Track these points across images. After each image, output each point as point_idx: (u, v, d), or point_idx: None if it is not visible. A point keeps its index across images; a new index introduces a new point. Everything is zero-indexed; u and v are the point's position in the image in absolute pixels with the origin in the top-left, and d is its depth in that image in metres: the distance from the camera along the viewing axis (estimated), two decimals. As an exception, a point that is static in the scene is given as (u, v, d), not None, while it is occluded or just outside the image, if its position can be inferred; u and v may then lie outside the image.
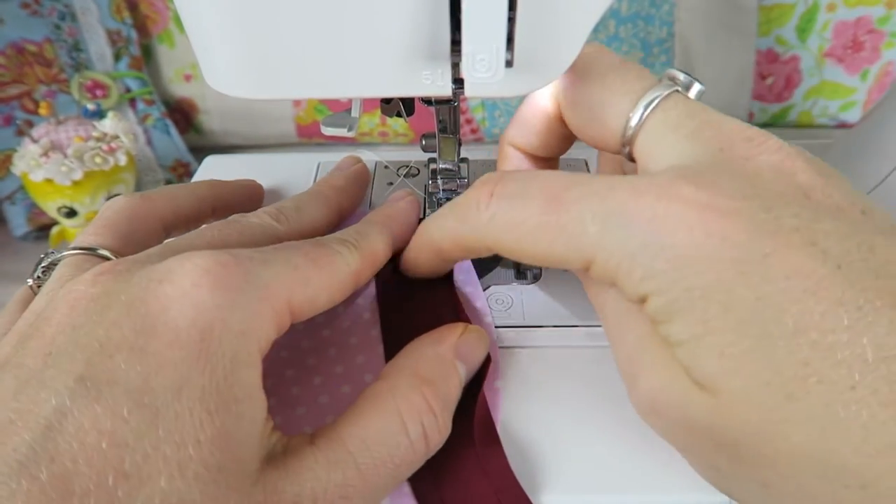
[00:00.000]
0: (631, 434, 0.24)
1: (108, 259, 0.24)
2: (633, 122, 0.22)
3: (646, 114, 0.21)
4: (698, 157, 0.20)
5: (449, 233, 0.24)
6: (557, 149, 0.28)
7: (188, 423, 0.17)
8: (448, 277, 0.29)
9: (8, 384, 0.18)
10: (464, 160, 0.34)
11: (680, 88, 0.22)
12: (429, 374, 0.23)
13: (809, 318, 0.16)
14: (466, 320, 0.27)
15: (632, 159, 0.23)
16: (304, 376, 0.26)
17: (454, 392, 0.23)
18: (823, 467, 0.16)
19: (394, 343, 0.27)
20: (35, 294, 0.25)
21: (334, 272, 0.23)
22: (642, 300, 0.19)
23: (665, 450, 0.24)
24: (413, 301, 0.28)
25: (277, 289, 0.21)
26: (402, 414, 0.21)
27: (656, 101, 0.21)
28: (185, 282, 0.19)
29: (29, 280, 0.25)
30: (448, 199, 0.33)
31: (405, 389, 0.22)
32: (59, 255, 0.24)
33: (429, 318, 0.27)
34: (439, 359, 0.24)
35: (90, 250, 0.24)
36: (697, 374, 0.18)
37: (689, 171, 0.19)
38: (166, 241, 0.24)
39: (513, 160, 0.28)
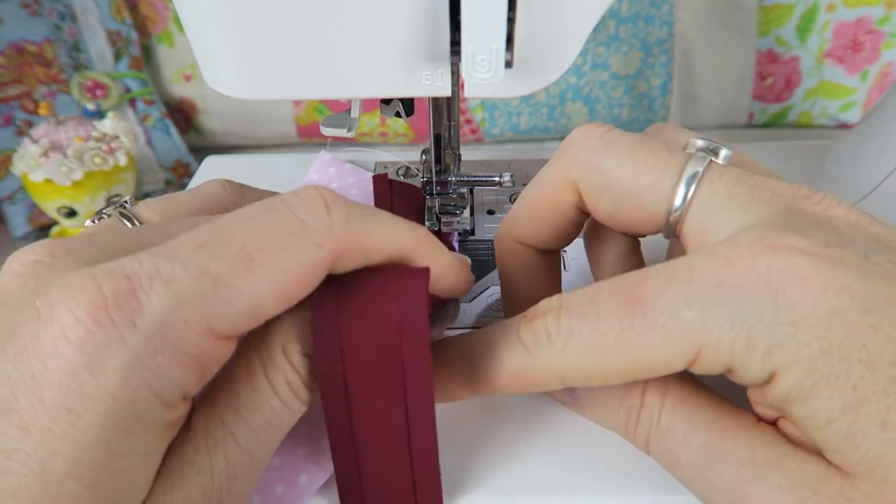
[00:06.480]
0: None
1: None
2: (678, 201, 0.20)
3: (691, 190, 0.20)
4: (766, 217, 0.18)
5: (508, 372, 0.20)
6: (568, 239, 0.25)
7: (60, 490, 0.16)
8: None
9: None
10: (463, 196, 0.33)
11: (712, 157, 0.20)
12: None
13: None
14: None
15: (673, 236, 0.21)
16: None
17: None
18: None
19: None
20: None
21: (288, 265, 0.18)
22: (768, 380, 0.17)
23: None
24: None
25: (183, 325, 0.17)
26: (269, 376, 0.19)
27: (700, 174, 0.20)
28: (55, 331, 0.16)
29: (94, 219, 0.24)
30: (446, 213, 0.33)
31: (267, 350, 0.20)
32: (110, 213, 0.24)
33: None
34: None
35: (129, 220, 0.23)
36: (849, 456, 0.16)
37: (770, 226, 0.17)
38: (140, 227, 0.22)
39: (518, 255, 0.25)
